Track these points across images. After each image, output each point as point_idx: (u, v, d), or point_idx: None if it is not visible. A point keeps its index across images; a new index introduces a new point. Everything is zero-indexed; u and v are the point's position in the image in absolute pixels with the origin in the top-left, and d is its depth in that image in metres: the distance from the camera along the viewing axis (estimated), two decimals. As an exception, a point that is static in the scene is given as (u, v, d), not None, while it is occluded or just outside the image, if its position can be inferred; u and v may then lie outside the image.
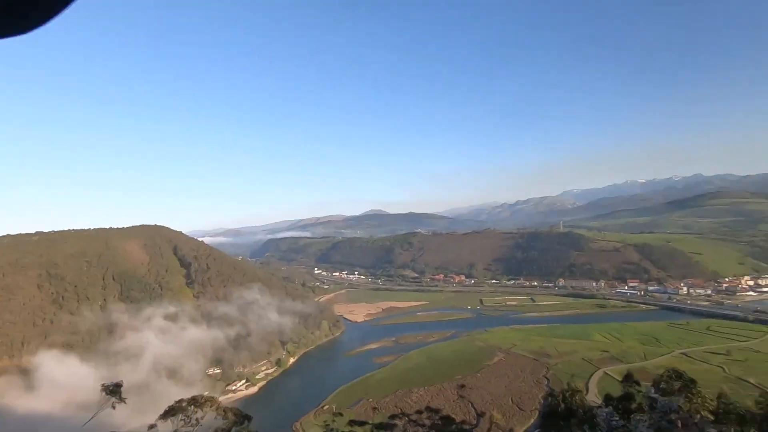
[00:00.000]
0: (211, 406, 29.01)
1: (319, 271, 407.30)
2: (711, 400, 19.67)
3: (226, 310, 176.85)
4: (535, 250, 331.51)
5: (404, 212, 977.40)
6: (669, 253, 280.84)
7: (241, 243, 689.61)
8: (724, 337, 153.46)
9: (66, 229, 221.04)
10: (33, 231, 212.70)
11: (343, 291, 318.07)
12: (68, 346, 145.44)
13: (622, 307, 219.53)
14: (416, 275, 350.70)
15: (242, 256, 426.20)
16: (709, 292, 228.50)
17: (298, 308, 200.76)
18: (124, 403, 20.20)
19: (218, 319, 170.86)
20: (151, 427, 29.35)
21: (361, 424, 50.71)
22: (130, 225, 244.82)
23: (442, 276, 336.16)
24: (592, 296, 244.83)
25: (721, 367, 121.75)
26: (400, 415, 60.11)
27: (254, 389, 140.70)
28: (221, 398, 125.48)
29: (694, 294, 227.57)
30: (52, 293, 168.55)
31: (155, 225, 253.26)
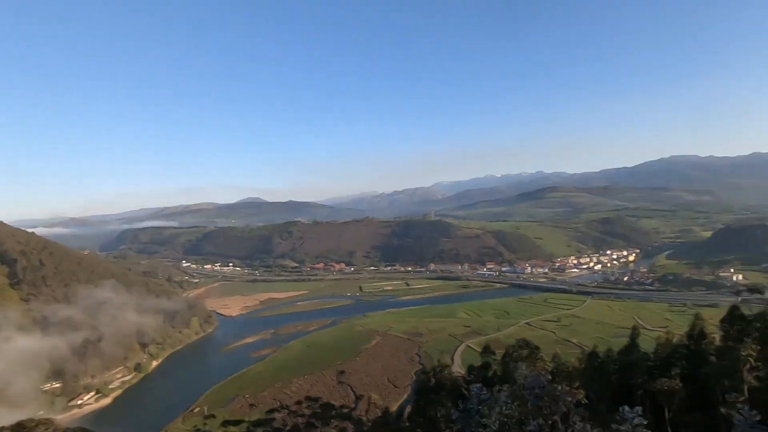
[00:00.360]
0: (45, 429, 24.25)
1: (188, 264, 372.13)
2: (549, 362, 23.58)
3: (68, 314, 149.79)
4: (409, 237, 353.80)
5: (284, 200, 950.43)
6: (518, 239, 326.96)
7: (87, 234, 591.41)
8: (556, 307, 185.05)
9: None
10: None
11: (216, 284, 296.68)
12: None
13: (482, 286, 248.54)
14: (296, 265, 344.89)
15: (89, 249, 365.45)
16: (546, 270, 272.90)
17: (163, 305, 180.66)
18: None
19: (58, 324, 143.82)
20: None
21: (237, 423, 48.29)
22: None
23: (322, 264, 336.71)
24: (457, 278, 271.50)
25: (553, 332, 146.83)
26: (279, 408, 58.91)
27: (107, 401, 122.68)
28: (62, 416, 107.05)
29: (536, 272, 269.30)
30: None
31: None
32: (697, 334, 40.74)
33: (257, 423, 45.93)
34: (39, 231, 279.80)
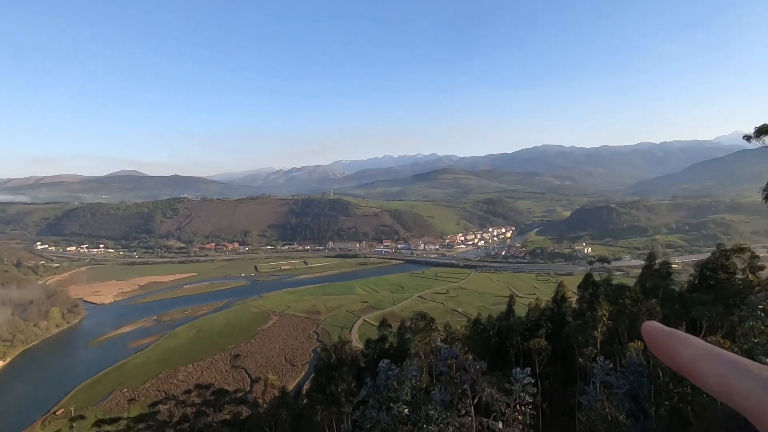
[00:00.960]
0: None
1: (45, 246, 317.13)
2: (442, 331, 25.42)
3: None
4: (308, 215, 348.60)
5: (167, 174, 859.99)
6: (413, 217, 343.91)
7: None
8: (445, 280, 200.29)
9: None
10: None
11: (83, 269, 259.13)
12: None
13: (379, 263, 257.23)
14: (183, 245, 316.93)
15: None
16: (437, 246, 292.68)
17: (11, 295, 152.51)
18: None
19: None
20: None
21: (113, 421, 43.26)
22: None
23: (213, 245, 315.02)
24: (355, 256, 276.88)
25: (443, 303, 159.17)
26: (165, 400, 54.29)
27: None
28: None
29: (428, 249, 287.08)
30: None
31: None
32: (559, 299, 47.57)
33: (138, 418, 41.61)
34: None
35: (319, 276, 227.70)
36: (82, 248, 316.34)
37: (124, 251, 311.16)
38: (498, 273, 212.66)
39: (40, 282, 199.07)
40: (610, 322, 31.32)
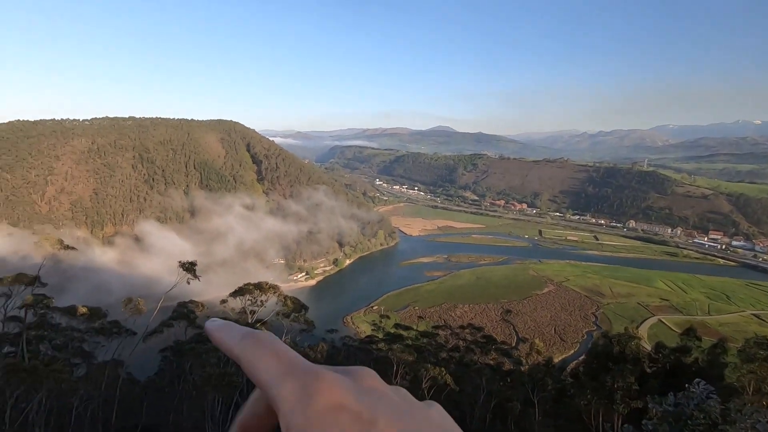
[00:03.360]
0: (274, 293, 31.81)
1: (381, 183, 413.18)
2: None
3: (296, 208, 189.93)
4: (609, 186, 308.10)
5: (473, 131, 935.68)
6: (766, 208, 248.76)
7: (308, 146, 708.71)
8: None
9: (155, 116, 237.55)
10: (127, 116, 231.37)
11: (401, 204, 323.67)
12: (161, 221, 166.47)
13: (696, 258, 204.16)
14: (476, 198, 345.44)
15: (309, 159, 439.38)
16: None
17: (358, 215, 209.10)
18: (198, 280, 22.67)
19: (289, 214, 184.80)
20: (223, 301, 33.34)
21: (406, 328, 53.83)
22: (209, 119, 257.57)
23: (503, 202, 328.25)
24: (663, 242, 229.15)
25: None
26: (444, 327, 63.26)
27: (312, 282, 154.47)
28: (283, 286, 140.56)
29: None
30: (144, 174, 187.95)
31: (231, 120, 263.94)
32: None
33: (423, 334, 50.25)
34: (276, 140, 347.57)
35: (609, 255, 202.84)
36: (403, 188, 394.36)
37: (430, 195, 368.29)
38: None
39: (374, 209, 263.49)
40: None
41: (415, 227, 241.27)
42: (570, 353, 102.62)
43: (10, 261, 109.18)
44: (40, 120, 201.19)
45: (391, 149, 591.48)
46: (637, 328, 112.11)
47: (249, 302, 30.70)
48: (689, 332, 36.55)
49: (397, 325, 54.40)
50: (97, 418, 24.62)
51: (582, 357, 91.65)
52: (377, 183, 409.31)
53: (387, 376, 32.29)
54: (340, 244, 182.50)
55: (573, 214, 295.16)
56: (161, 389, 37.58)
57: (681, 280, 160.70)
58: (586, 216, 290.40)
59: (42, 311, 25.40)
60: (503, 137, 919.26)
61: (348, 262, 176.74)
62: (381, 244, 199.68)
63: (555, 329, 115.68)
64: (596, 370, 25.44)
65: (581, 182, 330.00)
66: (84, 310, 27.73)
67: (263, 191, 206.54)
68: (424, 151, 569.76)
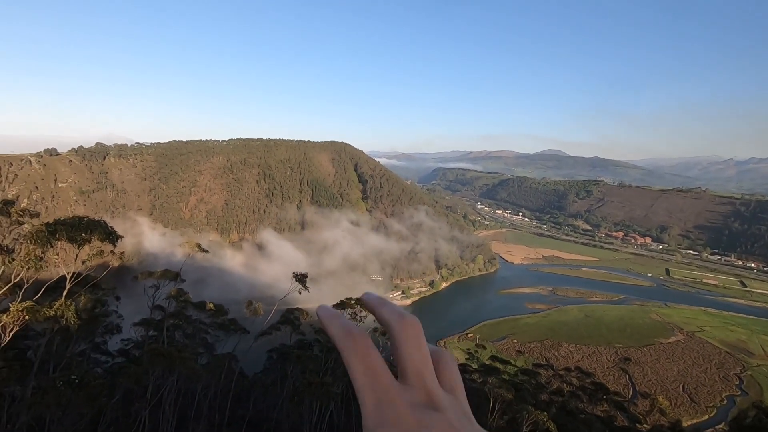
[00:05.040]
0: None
1: (482, 206, 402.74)
2: None
3: (398, 227, 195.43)
4: (762, 223, 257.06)
5: (588, 156, 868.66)
6: None
7: (411, 167, 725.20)
8: None
9: (278, 138, 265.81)
10: (255, 137, 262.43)
11: (503, 230, 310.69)
12: (277, 231, 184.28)
13: None
14: (589, 228, 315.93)
15: (411, 180, 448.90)
16: None
17: (458, 238, 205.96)
18: (308, 291, 24.30)
19: (391, 233, 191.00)
20: (326, 312, 35.06)
21: (504, 362, 50.74)
22: (322, 140, 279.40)
23: (621, 234, 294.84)
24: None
25: None
26: (546, 366, 58.17)
27: (407, 302, 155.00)
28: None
29: None
30: (266, 189, 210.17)
31: (341, 142, 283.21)
32: None
33: (523, 371, 46.80)
34: (381, 161, 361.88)
35: (762, 306, 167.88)
36: (506, 213, 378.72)
37: (536, 222, 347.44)
38: None
39: (474, 233, 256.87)
40: None
41: (518, 255, 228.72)
42: (704, 419, 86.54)
43: (161, 257, 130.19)
44: (190, 141, 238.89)
45: (495, 172, 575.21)
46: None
47: (349, 316, 31.90)
48: None
49: (493, 357, 51.56)
50: (214, 405, 27.51)
51: (720, 426, 76.70)
52: (479, 206, 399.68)
53: (482, 413, 30.57)
54: (438, 266, 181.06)
55: (712, 253, 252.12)
56: (266, 386, 40.64)
57: None
58: (729, 257, 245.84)
59: (182, 303, 29.50)
60: (624, 162, 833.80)
61: (444, 284, 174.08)
62: (480, 270, 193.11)
63: (683, 387, 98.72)
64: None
65: (724, 217, 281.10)
66: (211, 306, 31.52)
67: (367, 209, 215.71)
68: (531, 176, 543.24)
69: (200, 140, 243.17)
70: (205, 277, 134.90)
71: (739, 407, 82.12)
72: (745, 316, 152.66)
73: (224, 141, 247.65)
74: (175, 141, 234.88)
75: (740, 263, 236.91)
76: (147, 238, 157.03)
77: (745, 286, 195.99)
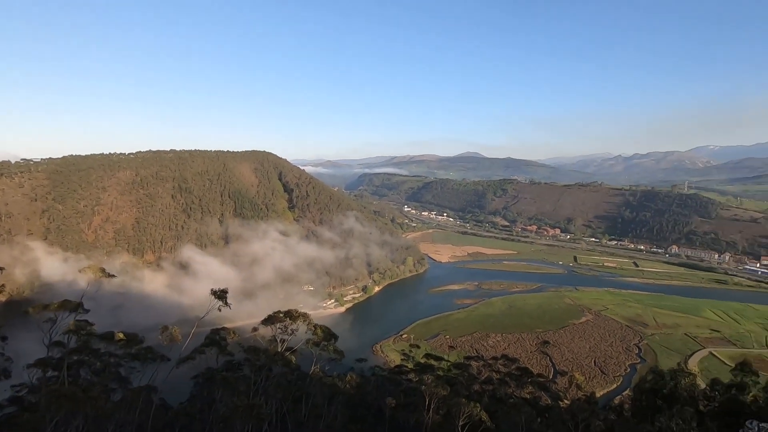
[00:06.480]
0: (303, 321, 31.64)
1: (409, 209, 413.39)
2: None
3: (329, 235, 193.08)
4: (647, 210, 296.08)
5: (502, 157, 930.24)
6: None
7: (338, 174, 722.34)
8: None
9: (193, 149, 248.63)
10: (168, 148, 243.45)
11: (430, 231, 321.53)
12: (200, 247, 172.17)
13: (749, 286, 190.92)
14: (507, 224, 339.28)
15: (338, 186, 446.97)
16: None
17: (387, 241, 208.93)
18: (229, 307, 22.90)
19: (322, 241, 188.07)
20: (254, 329, 33.37)
21: (437, 359, 52.21)
22: (243, 150, 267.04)
23: (535, 227, 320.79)
24: (710, 269, 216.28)
25: None
26: (476, 357, 60.86)
27: (341, 309, 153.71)
28: (312, 313, 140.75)
29: None
30: (182, 203, 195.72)
31: (264, 151, 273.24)
32: None
33: (455, 365, 48.52)
34: (307, 169, 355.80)
35: (651, 283, 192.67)
36: (432, 214, 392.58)
37: (459, 221, 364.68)
38: None
39: (402, 235, 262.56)
40: None
41: (445, 254, 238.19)
42: (613, 387, 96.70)
43: (60, 286, 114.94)
44: (90, 154, 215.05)
45: (419, 176, 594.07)
46: (686, 361, 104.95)
47: (279, 330, 30.65)
48: (744, 366, 33.52)
49: (427, 355, 52.74)
50: (131, 445, 24.76)
51: (626, 392, 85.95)
52: (405, 209, 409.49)
53: (418, 410, 31.08)
54: (370, 271, 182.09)
55: (609, 239, 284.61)
56: (192, 416, 37.63)
57: (733, 310, 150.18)
58: (623, 241, 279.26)
59: (84, 337, 26.22)
60: (533, 162, 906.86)
61: (377, 288, 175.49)
62: (410, 271, 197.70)
63: (595, 361, 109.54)
64: (645, 409, 23.58)
65: (617, 206, 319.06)
66: (121, 336, 28.41)
67: (294, 218, 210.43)
68: (453, 177, 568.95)
69: (102, 154, 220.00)
70: (124, 302, 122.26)
71: (639, 373, 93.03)
72: (639, 292, 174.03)
73: (131, 154, 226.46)
74: (71, 156, 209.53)
75: (632, 246, 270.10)
76: (44, 265, 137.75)
77: (638, 266, 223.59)
